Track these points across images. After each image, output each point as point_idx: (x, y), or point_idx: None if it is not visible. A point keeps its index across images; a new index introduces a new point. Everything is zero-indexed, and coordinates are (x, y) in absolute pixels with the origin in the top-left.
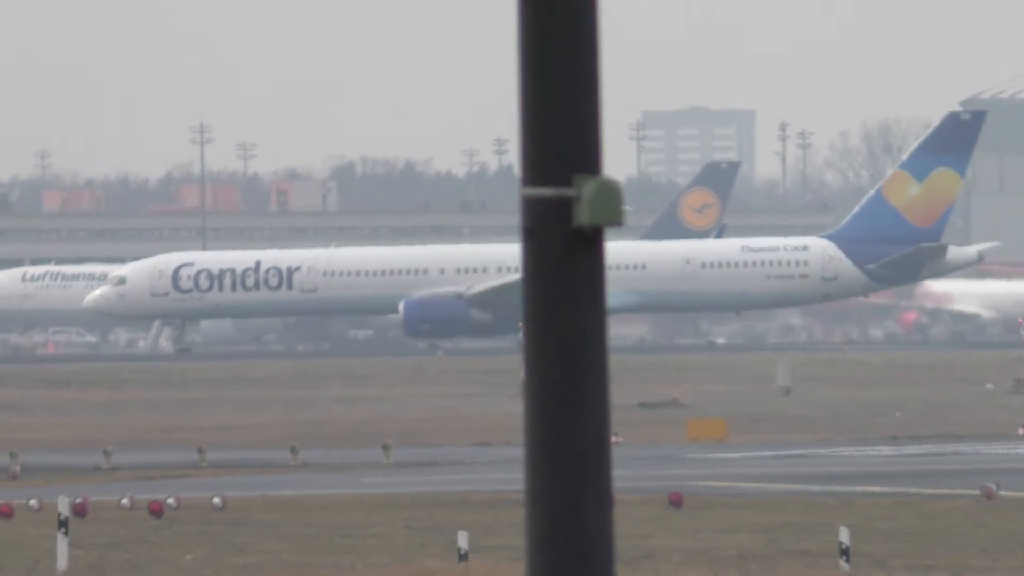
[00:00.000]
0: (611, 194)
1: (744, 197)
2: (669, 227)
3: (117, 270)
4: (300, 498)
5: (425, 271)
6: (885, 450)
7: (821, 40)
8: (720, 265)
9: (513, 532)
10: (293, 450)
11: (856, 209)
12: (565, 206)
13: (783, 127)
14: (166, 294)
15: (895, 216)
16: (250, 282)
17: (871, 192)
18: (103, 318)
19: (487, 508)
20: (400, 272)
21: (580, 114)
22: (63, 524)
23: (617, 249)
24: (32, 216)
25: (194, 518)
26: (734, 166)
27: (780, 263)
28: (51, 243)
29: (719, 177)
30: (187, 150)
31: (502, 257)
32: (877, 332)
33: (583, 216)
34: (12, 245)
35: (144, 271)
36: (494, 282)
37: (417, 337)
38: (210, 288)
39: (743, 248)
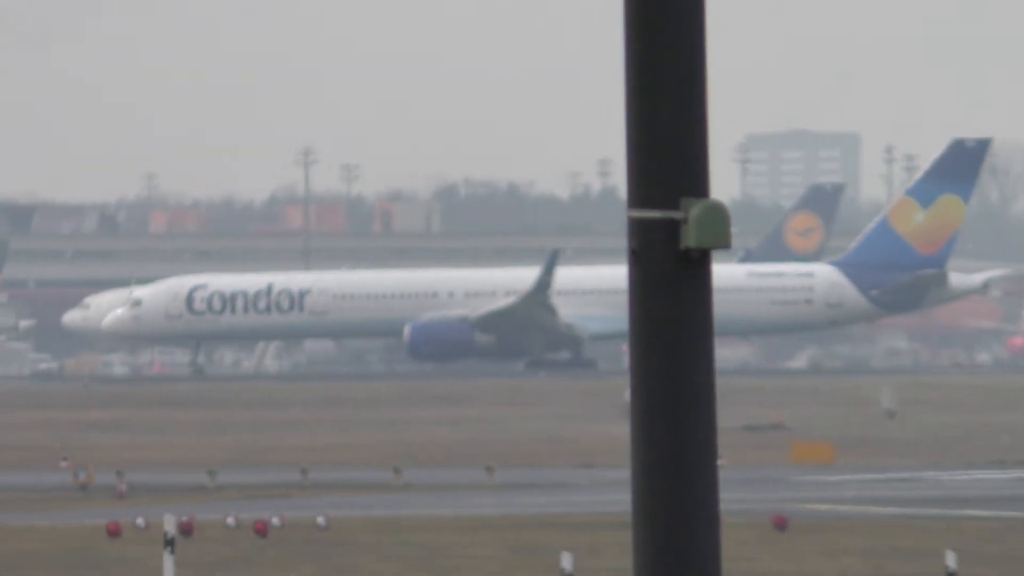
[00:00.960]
0: (718, 217)
1: (850, 220)
2: (773, 250)
3: (136, 292)
4: (403, 518)
5: (435, 294)
6: (992, 474)
7: (926, 62)
8: (726, 290)
9: (616, 554)
10: (396, 470)
11: (862, 235)
12: (672, 228)
13: (889, 150)
14: (180, 316)
15: (900, 243)
16: (262, 305)
17: (877, 218)
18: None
19: (591, 530)
20: (410, 295)
21: (687, 136)
22: (169, 543)
23: (623, 274)
24: (139, 237)
25: (298, 538)
26: (839, 188)
27: (785, 289)
28: (157, 263)
29: (824, 200)
30: (291, 171)
31: (511, 281)
32: (984, 356)
33: (690, 239)
34: (119, 265)
35: (159, 293)
36: (496, 305)
37: (422, 360)
38: (223, 310)
39: (749, 273)
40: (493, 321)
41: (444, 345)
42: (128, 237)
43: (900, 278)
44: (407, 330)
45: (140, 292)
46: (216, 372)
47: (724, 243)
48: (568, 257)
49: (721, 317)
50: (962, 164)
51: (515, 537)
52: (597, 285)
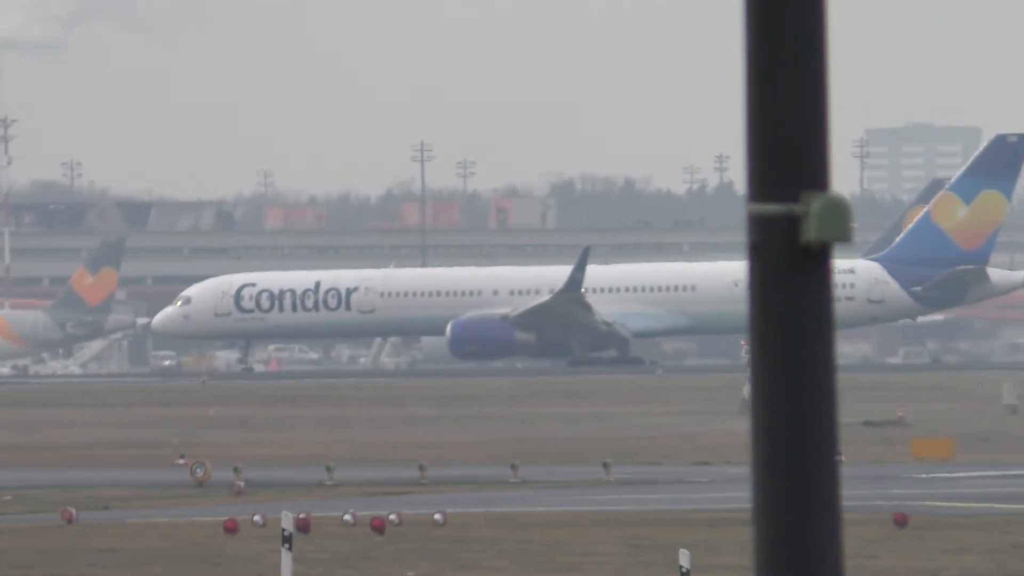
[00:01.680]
0: (839, 211)
1: None
2: None
3: (185, 291)
4: (520, 515)
5: (479, 292)
6: None
7: None
8: None
9: (735, 551)
10: (513, 467)
11: (904, 231)
12: (792, 223)
13: None
14: (228, 314)
15: (942, 238)
16: (309, 303)
17: (919, 214)
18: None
19: (708, 527)
20: (454, 293)
21: (807, 129)
22: (287, 540)
23: (668, 270)
24: (255, 233)
25: (416, 534)
26: None
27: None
28: (273, 260)
29: None
30: (408, 168)
31: (554, 279)
32: None
33: (810, 233)
34: (236, 262)
35: (208, 292)
36: (533, 302)
37: (464, 358)
38: (271, 308)
39: None
40: (532, 319)
41: (485, 343)
42: (244, 234)
43: (942, 274)
44: (449, 328)
45: (189, 291)
46: (334, 368)
47: (845, 237)
48: (685, 253)
49: None
50: (1004, 160)
51: (633, 534)
52: (639, 282)
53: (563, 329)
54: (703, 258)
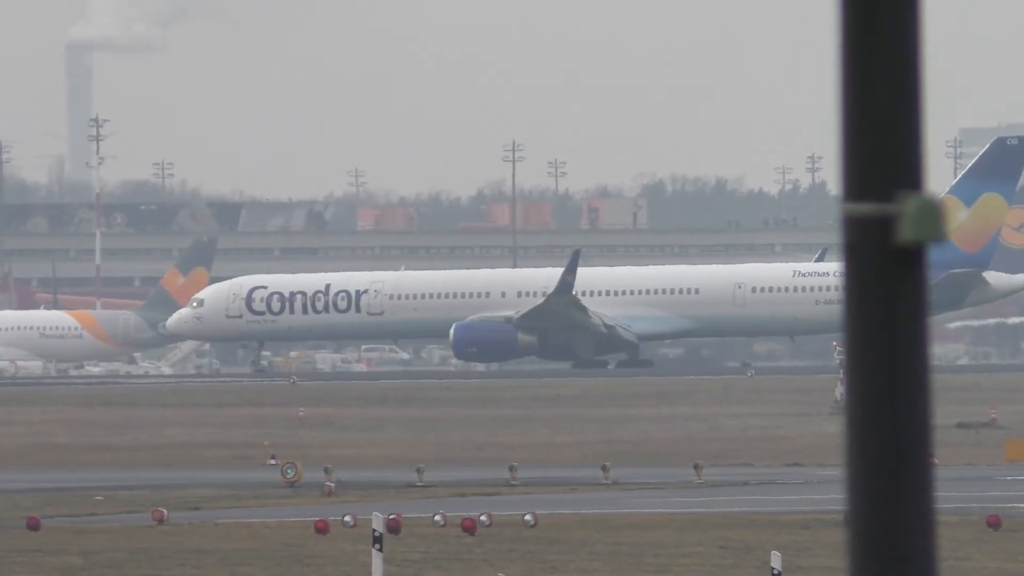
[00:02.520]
0: (934, 211)
1: None
2: None
3: (197, 293)
4: (611, 516)
5: (487, 294)
6: None
7: None
8: (771, 290)
9: (827, 553)
10: (604, 468)
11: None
12: (886, 223)
13: None
14: (240, 316)
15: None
16: (320, 305)
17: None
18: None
19: (800, 529)
20: (462, 295)
21: (903, 128)
22: (378, 540)
23: (671, 273)
24: (346, 234)
25: (506, 535)
26: None
27: (829, 288)
28: (364, 261)
29: None
30: (499, 168)
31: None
32: None
33: (905, 233)
34: (327, 263)
35: (220, 294)
36: (531, 304)
37: (467, 360)
38: (281, 311)
39: (795, 273)
40: (532, 321)
41: (487, 346)
42: (335, 234)
43: (938, 277)
44: (452, 330)
45: (201, 293)
46: (424, 368)
47: (940, 237)
48: (777, 253)
49: (766, 318)
50: (1005, 162)
51: (724, 536)
52: (642, 285)
53: (565, 331)
54: (796, 259)
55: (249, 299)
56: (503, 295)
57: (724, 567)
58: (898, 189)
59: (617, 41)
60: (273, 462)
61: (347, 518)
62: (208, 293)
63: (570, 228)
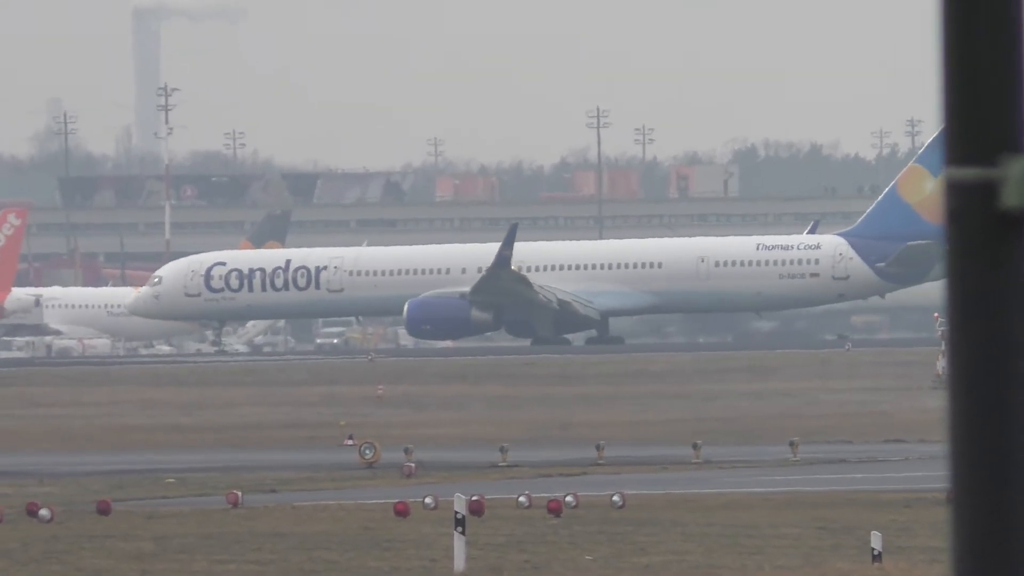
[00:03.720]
0: None
1: None
2: None
3: (159, 270)
4: (703, 496)
5: (447, 271)
6: None
7: None
8: (734, 263)
9: (929, 533)
10: (695, 446)
11: (871, 206)
12: (990, 188)
13: None
14: (198, 295)
15: (909, 213)
16: (279, 282)
17: (887, 188)
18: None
19: (901, 508)
20: (423, 272)
21: (1006, 91)
22: (460, 523)
23: (633, 247)
24: (425, 205)
25: (593, 517)
26: None
27: (792, 262)
28: (444, 233)
29: None
30: (583, 135)
31: (523, 255)
32: None
33: (1011, 198)
34: (405, 235)
35: (178, 271)
36: (479, 277)
37: (421, 338)
38: (240, 288)
39: (759, 246)
40: (482, 297)
41: (441, 323)
42: (413, 205)
43: (897, 249)
44: (405, 307)
45: (162, 270)
46: (506, 344)
47: None
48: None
49: (731, 292)
50: None
51: (822, 516)
52: (604, 259)
53: (519, 308)
54: None
55: (208, 276)
56: (464, 271)
57: (821, 548)
58: (1002, 153)
59: (707, 5)
60: (351, 442)
61: (428, 500)
62: (167, 270)
63: (658, 197)
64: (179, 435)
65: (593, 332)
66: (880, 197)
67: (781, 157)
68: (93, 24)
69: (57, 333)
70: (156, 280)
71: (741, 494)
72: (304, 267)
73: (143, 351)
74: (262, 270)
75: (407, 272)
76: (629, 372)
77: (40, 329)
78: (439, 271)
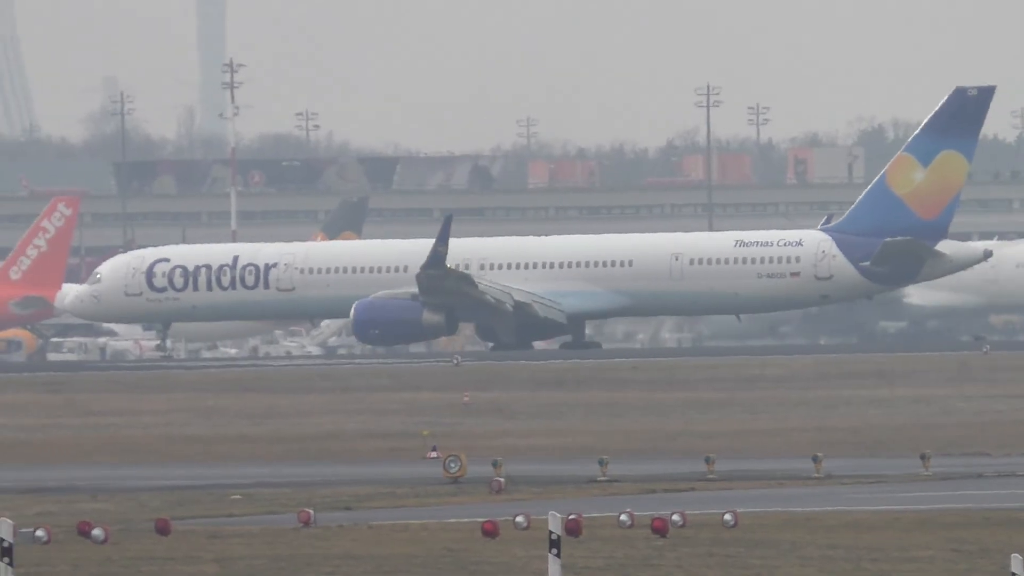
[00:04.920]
0: None
1: None
2: None
3: (99, 267)
4: (824, 515)
5: (405, 268)
6: None
7: None
8: (710, 262)
9: None
10: (816, 459)
11: (859, 198)
12: None
13: None
14: (140, 294)
15: (898, 206)
16: (226, 280)
17: (875, 179)
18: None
19: None
20: (379, 269)
21: None
22: (555, 544)
23: (603, 243)
24: (516, 192)
25: (703, 537)
26: None
27: (772, 260)
28: (537, 223)
29: None
30: (692, 115)
31: (486, 251)
32: None
33: None
34: (494, 225)
35: (119, 268)
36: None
37: (369, 343)
38: (184, 287)
39: (737, 243)
40: (431, 298)
41: (391, 326)
42: (503, 192)
43: (877, 246)
44: (352, 309)
45: (101, 267)
46: (607, 346)
47: None
48: (1015, 210)
49: (706, 293)
50: (964, 116)
51: (956, 536)
52: (571, 256)
53: (473, 310)
54: None
55: (150, 274)
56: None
57: (956, 572)
58: None
59: None
60: (434, 455)
61: (519, 518)
62: (107, 267)
63: (774, 182)
64: (246, 447)
65: (568, 337)
66: (868, 188)
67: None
68: None
69: (112, 334)
70: (96, 278)
71: (866, 512)
72: (253, 264)
73: (206, 354)
74: (208, 267)
75: (363, 270)
76: (743, 377)
77: (93, 329)
78: (399, 269)
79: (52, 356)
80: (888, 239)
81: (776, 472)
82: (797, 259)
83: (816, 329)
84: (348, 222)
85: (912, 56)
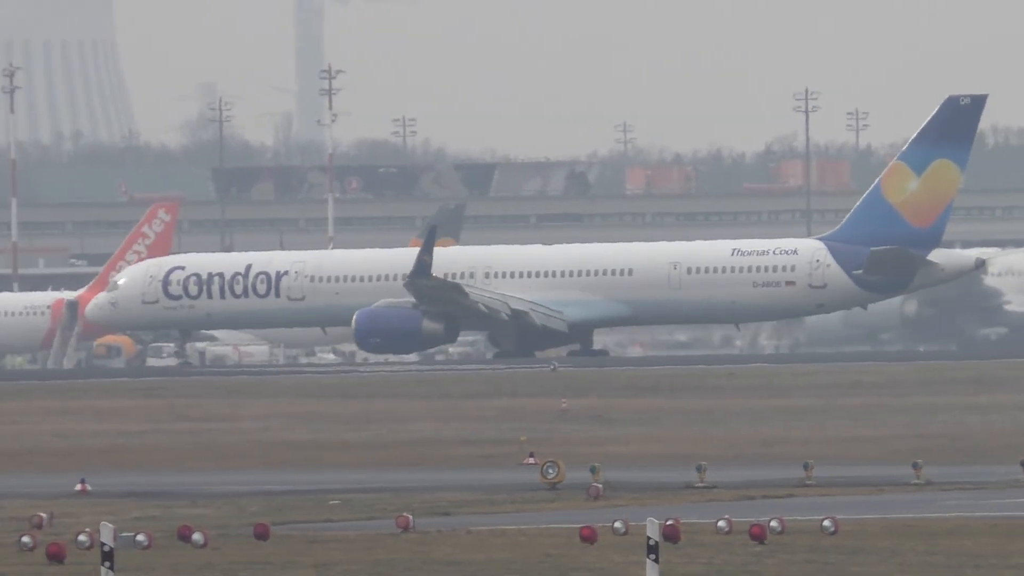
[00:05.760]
0: None
1: None
2: None
3: (117, 275)
4: (924, 522)
5: (445, 276)
6: None
7: None
8: (708, 270)
9: None
10: (916, 466)
11: (855, 206)
12: None
13: None
14: (156, 302)
15: (892, 215)
16: (239, 288)
17: (870, 187)
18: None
19: None
20: (387, 278)
21: None
22: (652, 550)
23: (602, 252)
24: (613, 198)
25: (801, 543)
26: None
27: (767, 269)
28: (634, 228)
29: None
30: (790, 120)
31: (490, 260)
32: None
33: None
34: (591, 231)
35: (136, 276)
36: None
37: (371, 352)
38: (199, 295)
39: (734, 251)
40: (431, 307)
41: (391, 335)
42: (600, 198)
43: (866, 255)
44: (354, 318)
45: (121, 274)
46: (704, 352)
47: None
48: None
49: (703, 302)
50: (956, 124)
51: None
52: (573, 265)
53: (472, 319)
54: None
55: (166, 282)
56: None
57: None
58: None
59: None
60: (532, 461)
61: (617, 524)
62: (126, 275)
63: None
64: (344, 452)
65: (576, 345)
66: (863, 196)
67: (1012, 144)
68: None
69: (211, 339)
70: (115, 285)
71: (967, 519)
72: (265, 273)
73: (304, 359)
74: (221, 275)
75: (371, 279)
76: (841, 383)
77: (192, 334)
78: (403, 277)
79: (151, 361)
80: (874, 248)
81: (876, 478)
82: (792, 268)
83: (915, 336)
84: (445, 229)
85: (1013, 62)
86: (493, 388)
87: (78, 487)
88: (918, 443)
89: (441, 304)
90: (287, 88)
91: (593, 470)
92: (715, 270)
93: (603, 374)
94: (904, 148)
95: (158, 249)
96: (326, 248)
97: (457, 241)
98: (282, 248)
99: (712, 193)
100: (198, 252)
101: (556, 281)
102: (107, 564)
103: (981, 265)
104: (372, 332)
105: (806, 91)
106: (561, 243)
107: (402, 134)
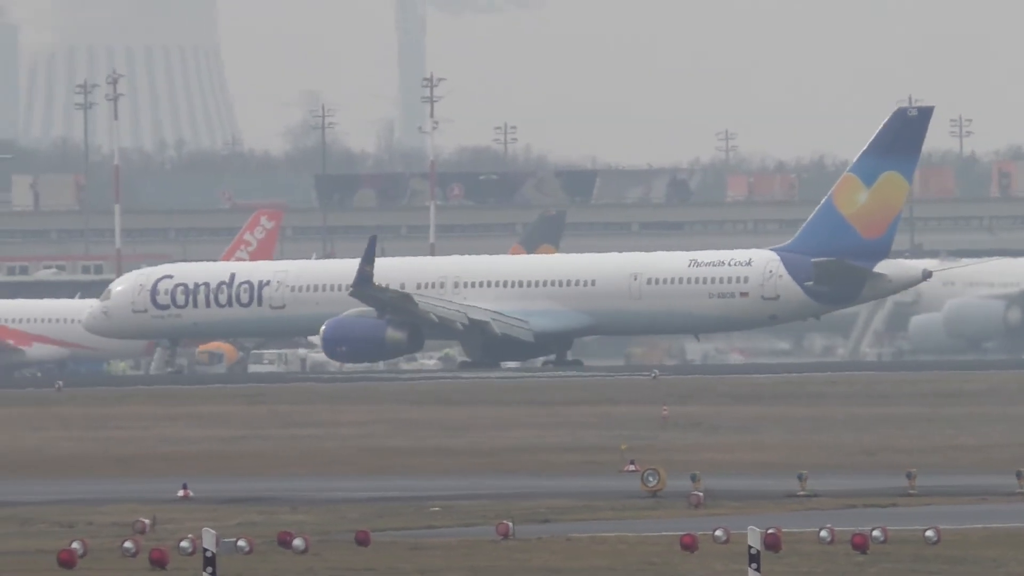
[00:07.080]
0: None
1: None
2: None
3: (112, 283)
4: None
5: (386, 286)
6: None
7: None
8: (666, 281)
9: None
10: (1019, 475)
11: (809, 218)
12: None
13: None
14: (145, 311)
15: (843, 226)
16: (223, 298)
17: (823, 199)
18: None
19: None
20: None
21: None
22: (754, 559)
23: (565, 263)
24: (714, 205)
25: (904, 553)
26: None
27: (722, 280)
28: (735, 236)
29: None
30: None
31: (461, 270)
32: None
33: None
34: (692, 238)
35: (128, 285)
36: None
37: (338, 360)
38: (186, 304)
39: (691, 262)
40: (395, 318)
41: (357, 343)
42: (702, 206)
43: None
44: (322, 327)
45: (114, 283)
46: (806, 359)
47: None
48: None
49: (662, 312)
50: (904, 136)
51: None
52: (537, 276)
53: (433, 328)
54: None
55: (154, 291)
56: (402, 286)
57: None
58: None
59: None
60: (632, 468)
61: (718, 532)
62: (118, 284)
63: (977, 196)
64: (444, 459)
65: (551, 356)
66: (817, 208)
67: None
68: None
69: (312, 346)
70: (108, 294)
71: None
72: (247, 282)
73: (405, 366)
74: (207, 285)
75: (348, 288)
76: (944, 392)
77: (294, 341)
78: (386, 287)
79: (253, 367)
80: (815, 259)
81: (979, 488)
82: (746, 279)
83: (1019, 344)
84: (546, 236)
85: None
86: (593, 395)
87: (180, 493)
88: (1021, 452)
89: (400, 314)
90: (389, 96)
91: (694, 478)
92: (673, 281)
93: (704, 382)
94: (854, 160)
95: (260, 256)
96: (428, 255)
97: (557, 249)
98: (383, 254)
99: (815, 200)
100: (298, 258)
101: (523, 291)
102: (209, 570)
103: (928, 276)
104: (338, 340)
105: (909, 98)
106: (662, 251)
107: (503, 141)
